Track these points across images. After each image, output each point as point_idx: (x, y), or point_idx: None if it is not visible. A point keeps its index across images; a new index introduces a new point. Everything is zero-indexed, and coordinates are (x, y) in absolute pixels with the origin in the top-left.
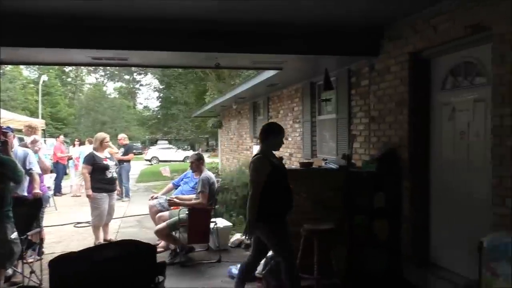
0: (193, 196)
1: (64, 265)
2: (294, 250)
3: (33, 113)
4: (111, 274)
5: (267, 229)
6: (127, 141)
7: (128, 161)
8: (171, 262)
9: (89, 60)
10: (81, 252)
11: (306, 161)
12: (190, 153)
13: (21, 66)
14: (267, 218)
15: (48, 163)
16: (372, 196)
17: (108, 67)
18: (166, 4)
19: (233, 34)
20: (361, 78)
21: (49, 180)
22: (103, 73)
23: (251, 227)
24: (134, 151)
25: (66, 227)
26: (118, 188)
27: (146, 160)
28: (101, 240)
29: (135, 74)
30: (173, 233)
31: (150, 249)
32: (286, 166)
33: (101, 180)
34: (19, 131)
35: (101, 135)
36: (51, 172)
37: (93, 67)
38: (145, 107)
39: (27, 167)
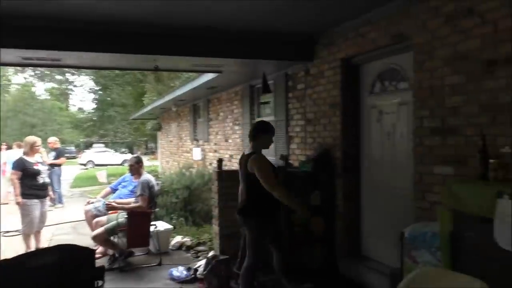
0: (132, 199)
1: None
2: (263, 253)
3: None
4: (48, 280)
5: (253, 224)
6: (58, 145)
7: (59, 165)
8: (110, 267)
9: (19, 60)
10: (15, 259)
11: None
12: (128, 156)
13: None
14: (257, 214)
15: None
16: (309, 195)
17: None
18: (100, 5)
19: (172, 37)
20: (297, 82)
21: None
22: (32, 73)
23: (303, 208)
24: (67, 155)
25: None
26: (51, 194)
27: (81, 164)
28: (33, 249)
29: (67, 74)
30: (112, 238)
31: (89, 253)
32: (226, 168)
33: (32, 186)
34: None
35: (31, 138)
36: None
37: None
38: (79, 109)
39: None
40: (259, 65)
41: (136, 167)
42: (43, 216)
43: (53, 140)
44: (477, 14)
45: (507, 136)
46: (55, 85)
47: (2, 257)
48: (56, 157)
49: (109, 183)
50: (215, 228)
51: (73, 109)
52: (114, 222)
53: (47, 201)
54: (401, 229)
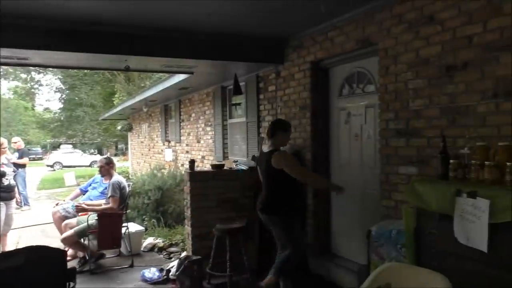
0: (103, 201)
1: None
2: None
3: None
4: (19, 282)
5: (281, 221)
6: (21, 145)
7: (24, 166)
8: (80, 270)
9: None
10: None
11: (218, 163)
12: (97, 157)
13: None
14: (281, 211)
15: None
16: None
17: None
18: (69, 4)
19: (143, 38)
20: (269, 83)
21: None
22: None
23: (334, 185)
24: (34, 156)
25: None
26: (17, 196)
27: (48, 165)
28: None
29: (33, 73)
30: (82, 240)
31: (60, 254)
32: (198, 169)
33: None
34: None
35: None
36: None
37: None
38: (45, 109)
39: None
40: (230, 66)
41: (106, 168)
42: (8, 219)
43: (16, 140)
44: (438, 21)
45: (465, 137)
46: (20, 84)
47: None
48: (19, 158)
49: (78, 185)
50: (188, 229)
51: (39, 108)
52: (84, 224)
53: (13, 203)
54: (368, 227)
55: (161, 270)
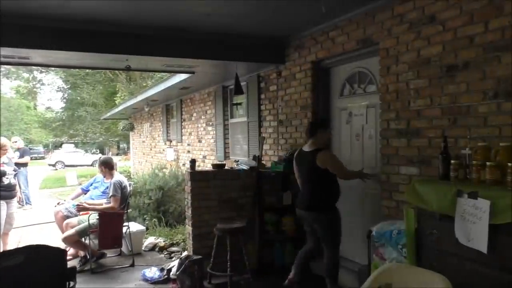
0: (104, 200)
1: None
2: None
3: None
4: (19, 281)
5: (326, 219)
6: (21, 144)
7: (25, 165)
8: (81, 269)
9: None
10: None
11: (219, 162)
12: (99, 156)
13: None
14: (328, 208)
15: None
16: (281, 195)
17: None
18: (70, 4)
19: (144, 37)
20: (270, 83)
21: None
22: None
23: (364, 174)
24: (36, 155)
25: None
26: (19, 195)
27: (50, 165)
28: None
29: (35, 72)
30: (83, 239)
31: (60, 253)
32: (199, 168)
33: None
34: None
35: None
36: None
37: None
38: (47, 108)
39: None
40: (231, 66)
41: (102, 169)
42: (10, 218)
43: (15, 139)
44: (439, 21)
45: (467, 138)
46: (22, 83)
47: None
48: (20, 157)
49: (79, 184)
50: (188, 228)
51: (41, 108)
52: (85, 224)
53: (14, 202)
54: (368, 227)
55: (161, 270)
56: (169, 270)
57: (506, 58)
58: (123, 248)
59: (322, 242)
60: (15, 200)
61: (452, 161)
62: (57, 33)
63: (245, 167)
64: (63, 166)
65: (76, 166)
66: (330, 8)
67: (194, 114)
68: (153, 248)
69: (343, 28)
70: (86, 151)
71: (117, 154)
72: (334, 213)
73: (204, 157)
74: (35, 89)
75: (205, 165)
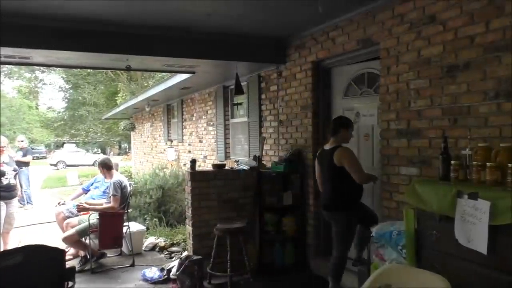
0: (105, 200)
1: None
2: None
3: None
4: (17, 281)
5: (344, 218)
6: (26, 144)
7: (27, 164)
8: (81, 269)
9: None
10: None
11: (219, 162)
12: (100, 156)
13: None
14: (346, 208)
15: None
16: (281, 195)
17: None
18: (69, 4)
19: (144, 37)
20: (270, 83)
21: None
22: None
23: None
24: (37, 155)
25: None
26: (19, 194)
27: (52, 164)
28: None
29: (37, 72)
30: (83, 239)
31: (58, 253)
32: (200, 168)
33: None
34: None
35: None
36: None
37: None
38: (49, 108)
39: None
40: (232, 66)
41: (101, 169)
42: (9, 218)
43: (21, 139)
44: (439, 21)
45: (467, 138)
46: (24, 83)
47: None
48: (23, 156)
49: (80, 184)
50: (189, 228)
51: (43, 107)
52: (85, 224)
53: (14, 202)
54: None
55: (162, 270)
56: (169, 270)
57: (507, 59)
58: (123, 248)
59: (334, 241)
60: (15, 200)
61: (453, 162)
62: (57, 33)
63: (245, 167)
64: (64, 166)
65: (78, 166)
66: (327, 8)
67: (195, 114)
68: (153, 248)
69: (344, 28)
70: (88, 151)
71: (118, 154)
72: (351, 213)
73: (205, 157)
74: (37, 89)
75: (206, 165)
